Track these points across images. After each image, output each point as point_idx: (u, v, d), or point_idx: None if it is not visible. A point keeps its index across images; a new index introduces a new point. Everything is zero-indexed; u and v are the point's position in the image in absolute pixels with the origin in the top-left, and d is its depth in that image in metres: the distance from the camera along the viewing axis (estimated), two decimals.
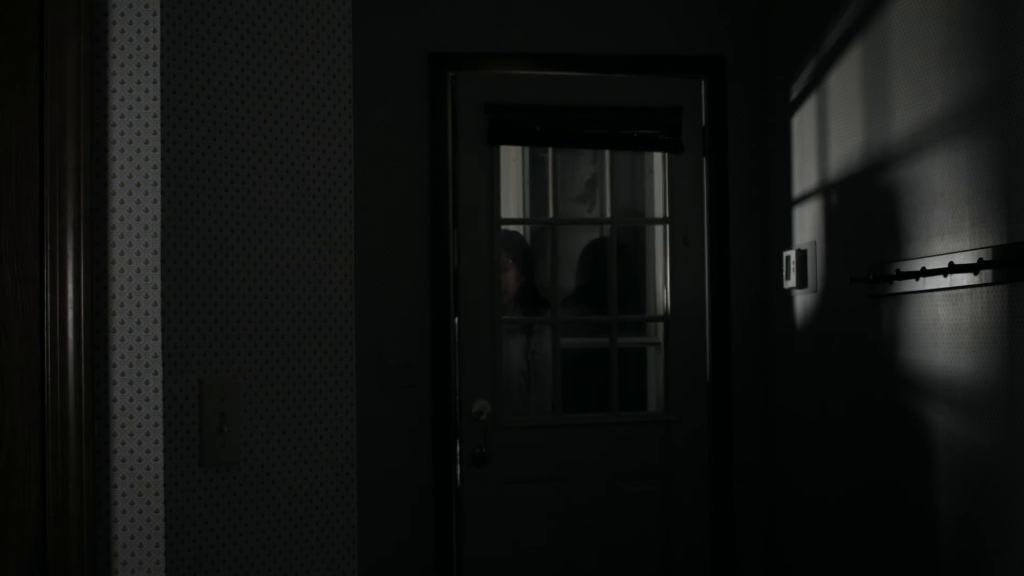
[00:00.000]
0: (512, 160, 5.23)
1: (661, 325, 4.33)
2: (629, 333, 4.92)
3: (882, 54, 3.28)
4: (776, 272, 4.14)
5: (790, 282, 3.97)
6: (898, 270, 3.11)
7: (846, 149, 3.56)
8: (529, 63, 4.20)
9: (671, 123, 4.15)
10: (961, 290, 2.85)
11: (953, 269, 2.77)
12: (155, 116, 1.94)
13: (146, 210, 1.93)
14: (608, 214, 4.24)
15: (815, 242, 3.80)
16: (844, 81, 3.54)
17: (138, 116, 1.94)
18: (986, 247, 2.70)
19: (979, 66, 2.77)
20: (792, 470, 4.05)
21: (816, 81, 3.75)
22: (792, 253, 3.94)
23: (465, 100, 4.04)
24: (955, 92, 2.89)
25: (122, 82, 1.94)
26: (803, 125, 3.90)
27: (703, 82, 4.27)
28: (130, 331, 1.92)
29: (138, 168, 1.93)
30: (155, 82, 1.94)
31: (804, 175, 3.91)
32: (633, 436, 4.17)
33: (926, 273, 2.92)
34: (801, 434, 3.96)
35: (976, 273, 2.73)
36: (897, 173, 3.22)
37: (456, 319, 4.24)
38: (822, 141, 3.72)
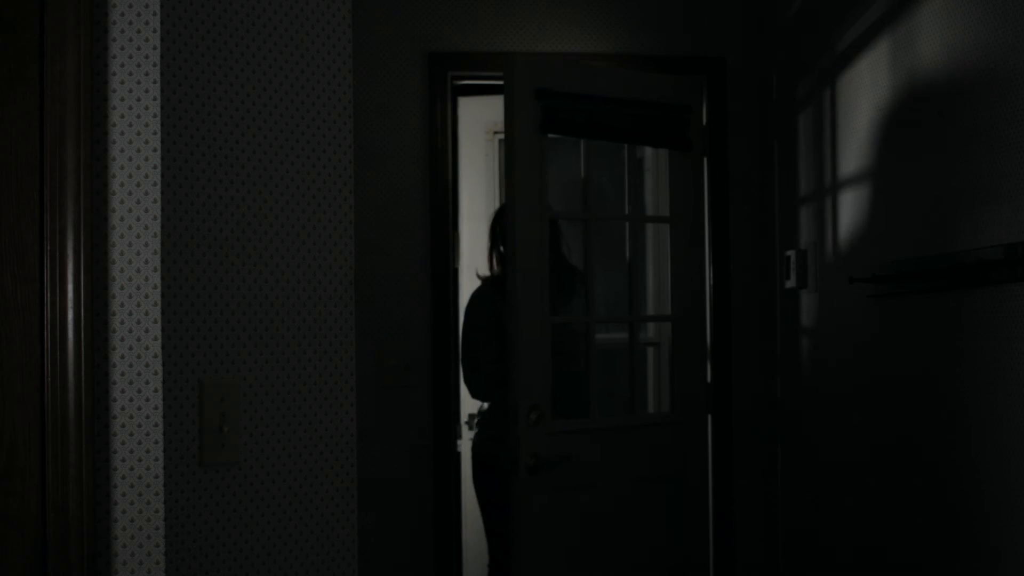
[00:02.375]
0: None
1: (653, 325, 4.31)
2: (620, 331, 4.89)
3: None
4: (779, 272, 4.14)
5: (791, 282, 3.97)
6: (899, 270, 3.11)
7: (856, 149, 3.56)
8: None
9: (681, 120, 4.10)
10: (961, 290, 2.85)
11: (953, 269, 2.77)
12: (155, 116, 1.94)
13: (146, 210, 1.93)
14: (627, 210, 4.20)
15: (815, 242, 3.80)
16: (860, 80, 3.52)
17: (138, 116, 1.94)
18: (987, 247, 2.70)
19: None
20: (792, 469, 4.05)
21: (827, 80, 3.73)
22: (793, 253, 3.94)
23: (520, 84, 3.72)
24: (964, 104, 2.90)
25: (122, 82, 1.94)
26: (809, 124, 3.89)
27: (704, 81, 4.26)
28: (130, 331, 1.92)
29: (138, 168, 1.93)
30: (155, 82, 1.94)
31: (808, 174, 3.91)
32: (648, 437, 4.04)
33: (927, 274, 2.92)
34: (802, 434, 3.96)
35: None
36: (901, 174, 3.22)
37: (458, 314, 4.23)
38: (834, 140, 3.69)
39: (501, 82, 3.76)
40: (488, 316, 4.23)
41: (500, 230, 4.26)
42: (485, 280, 4.34)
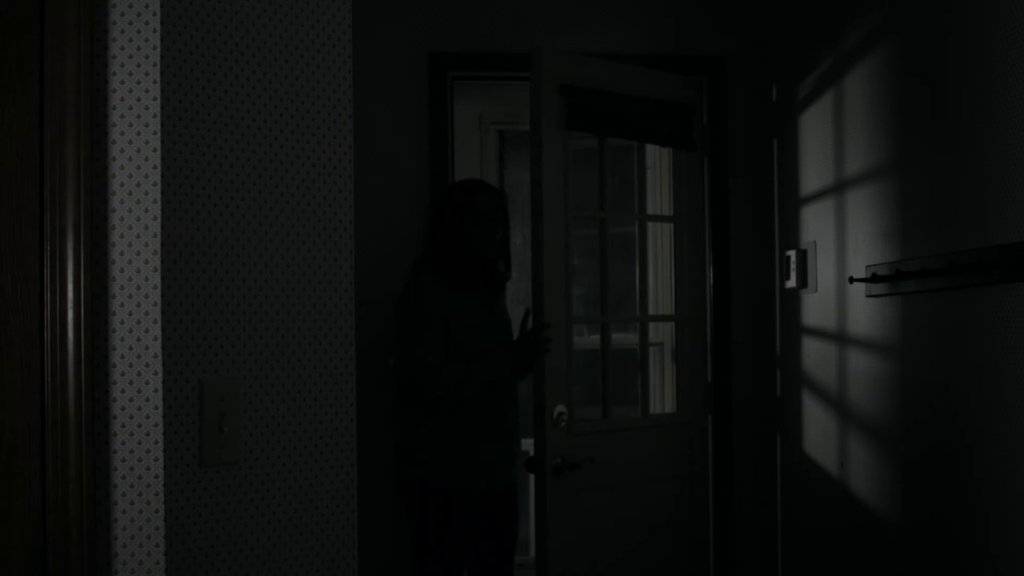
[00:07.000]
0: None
1: (653, 325, 4.29)
2: (617, 331, 4.89)
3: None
4: (779, 272, 4.14)
5: (791, 282, 3.96)
6: (898, 270, 3.11)
7: (859, 149, 3.55)
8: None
9: (687, 120, 4.09)
10: (961, 290, 2.85)
11: (953, 269, 2.77)
12: (155, 116, 1.94)
13: (146, 210, 1.93)
14: (636, 210, 4.19)
15: (815, 242, 3.80)
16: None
17: (138, 116, 1.94)
18: (985, 247, 2.70)
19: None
20: (792, 469, 4.05)
21: (830, 80, 3.71)
22: (793, 253, 3.94)
23: (547, 79, 3.63)
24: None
25: (122, 82, 1.94)
26: (811, 124, 3.87)
27: (704, 81, 4.26)
28: (130, 331, 1.92)
29: (138, 168, 1.93)
30: (155, 82, 1.94)
31: (808, 174, 3.91)
32: (657, 438, 4.02)
33: (926, 273, 2.92)
34: (801, 434, 3.96)
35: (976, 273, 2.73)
36: (903, 175, 3.22)
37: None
38: (837, 140, 3.67)
39: (496, 78, 3.71)
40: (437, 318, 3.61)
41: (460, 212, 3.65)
42: (429, 266, 3.68)
